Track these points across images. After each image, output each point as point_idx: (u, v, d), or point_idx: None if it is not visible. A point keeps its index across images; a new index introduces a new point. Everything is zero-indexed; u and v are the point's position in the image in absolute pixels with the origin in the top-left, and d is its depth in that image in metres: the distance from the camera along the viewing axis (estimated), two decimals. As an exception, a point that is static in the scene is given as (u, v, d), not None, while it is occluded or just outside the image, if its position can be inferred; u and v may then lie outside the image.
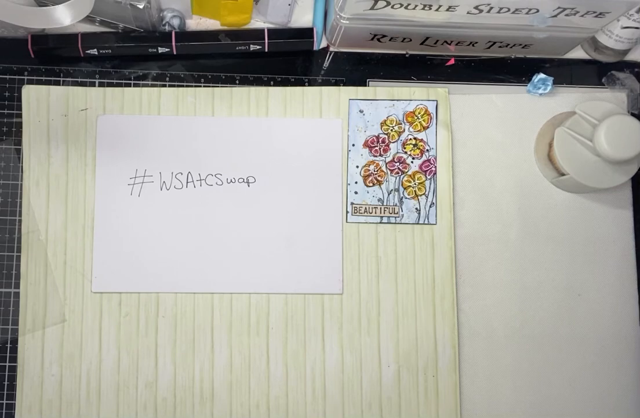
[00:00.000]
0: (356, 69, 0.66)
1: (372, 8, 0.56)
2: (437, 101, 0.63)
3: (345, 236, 0.62)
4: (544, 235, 0.64)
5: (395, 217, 0.62)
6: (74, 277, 0.60)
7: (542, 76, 0.65)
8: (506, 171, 0.65)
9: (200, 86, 0.64)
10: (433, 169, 0.63)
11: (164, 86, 0.63)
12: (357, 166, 0.63)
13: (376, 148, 0.62)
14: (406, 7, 0.56)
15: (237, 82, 0.64)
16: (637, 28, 0.62)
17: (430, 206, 0.62)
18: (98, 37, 0.62)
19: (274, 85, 0.64)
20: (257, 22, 0.65)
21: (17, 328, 0.60)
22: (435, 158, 0.63)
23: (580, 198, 0.65)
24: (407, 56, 0.66)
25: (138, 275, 0.60)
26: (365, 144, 0.63)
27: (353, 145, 0.63)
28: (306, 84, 0.65)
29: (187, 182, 0.62)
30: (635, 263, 0.65)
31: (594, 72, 0.67)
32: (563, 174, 0.63)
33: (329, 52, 0.66)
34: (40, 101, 0.62)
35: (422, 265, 0.62)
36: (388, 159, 0.63)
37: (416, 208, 0.62)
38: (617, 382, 0.63)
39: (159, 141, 0.62)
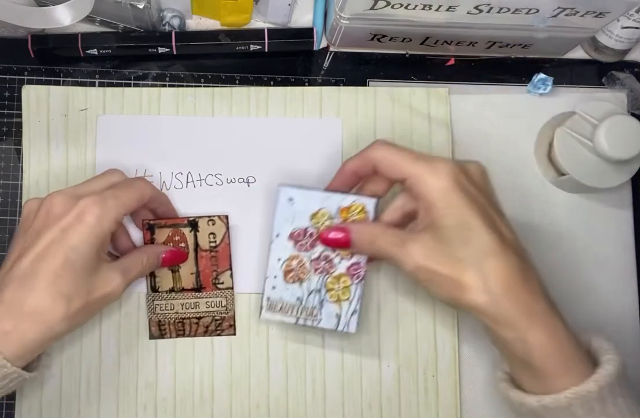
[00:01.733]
0: (356, 69, 0.66)
1: (372, 8, 0.56)
2: (377, 199, 0.56)
3: None
4: (544, 235, 0.64)
5: (313, 320, 0.57)
6: (74, 277, 0.60)
7: (542, 76, 0.65)
8: (506, 171, 0.65)
9: (200, 86, 0.64)
10: (362, 273, 0.56)
11: (164, 86, 0.63)
12: (279, 259, 0.56)
13: (302, 243, 0.57)
14: (406, 7, 0.56)
15: (237, 82, 0.64)
16: (637, 28, 0.62)
17: (352, 314, 0.56)
18: (98, 37, 0.62)
19: (274, 85, 0.64)
20: (257, 22, 0.65)
21: (17, 328, 0.60)
22: (365, 262, 0.56)
23: (580, 198, 0.65)
24: (407, 56, 0.66)
25: (138, 275, 0.60)
26: (291, 237, 0.56)
27: (277, 235, 0.56)
28: (306, 84, 0.65)
29: (187, 182, 0.62)
30: (635, 263, 0.65)
31: (594, 72, 0.67)
32: (563, 174, 0.63)
33: (329, 52, 0.66)
34: (40, 101, 0.62)
35: (422, 265, 0.62)
36: (314, 256, 0.56)
37: (337, 314, 0.56)
38: (617, 382, 0.63)
39: (159, 141, 0.62)
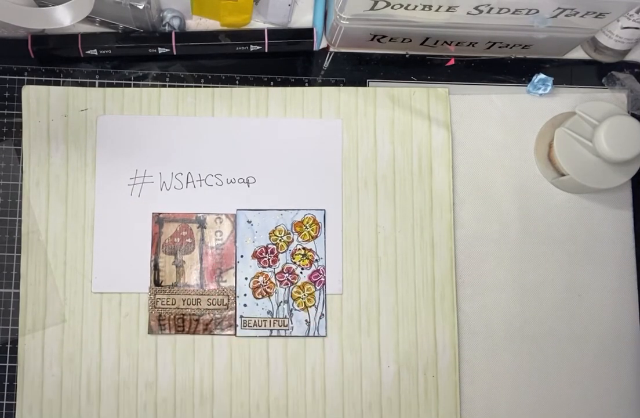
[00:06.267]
0: (356, 69, 0.66)
1: (372, 8, 0.56)
2: (325, 210, 0.62)
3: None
4: (544, 235, 0.64)
5: (285, 329, 0.60)
6: (74, 277, 0.60)
7: (542, 76, 0.65)
8: (506, 171, 0.65)
9: (200, 87, 0.64)
10: (322, 279, 0.61)
11: (164, 86, 0.63)
12: (246, 278, 0.61)
13: (265, 259, 0.61)
14: (406, 8, 0.56)
15: (237, 82, 0.64)
16: (637, 28, 0.62)
17: (320, 318, 0.61)
18: (98, 38, 0.62)
19: (274, 85, 0.64)
20: (257, 23, 0.65)
21: (17, 329, 0.60)
22: (325, 268, 0.61)
23: (580, 198, 0.65)
24: (407, 56, 0.66)
25: (138, 275, 0.60)
26: (254, 255, 0.61)
27: (242, 256, 0.61)
28: (306, 84, 0.65)
29: (187, 182, 0.62)
30: (635, 263, 0.65)
31: (594, 72, 0.67)
32: (563, 175, 0.63)
33: (328, 53, 0.66)
34: (40, 101, 0.62)
35: (422, 265, 0.62)
36: (277, 270, 0.61)
37: (306, 320, 0.60)
38: (617, 382, 0.63)
39: (159, 141, 0.62)
